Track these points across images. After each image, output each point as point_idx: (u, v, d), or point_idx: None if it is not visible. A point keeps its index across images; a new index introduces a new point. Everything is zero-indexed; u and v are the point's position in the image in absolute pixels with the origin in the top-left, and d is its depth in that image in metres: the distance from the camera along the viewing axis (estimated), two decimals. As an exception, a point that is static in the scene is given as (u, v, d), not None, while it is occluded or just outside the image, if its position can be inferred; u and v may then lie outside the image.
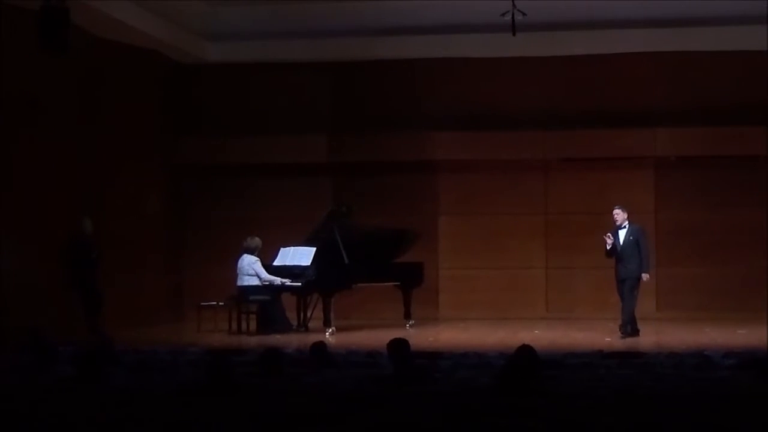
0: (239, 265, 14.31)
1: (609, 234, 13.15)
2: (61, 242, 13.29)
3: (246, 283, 14.21)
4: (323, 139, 17.03)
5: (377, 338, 12.33)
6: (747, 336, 12.85)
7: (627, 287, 13.07)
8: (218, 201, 17.15)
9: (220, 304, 14.68)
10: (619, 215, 13.26)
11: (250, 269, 14.19)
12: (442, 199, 17.09)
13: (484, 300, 16.76)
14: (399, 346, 8.17)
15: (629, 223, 13.24)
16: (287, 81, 17.16)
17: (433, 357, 10.21)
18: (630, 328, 13.03)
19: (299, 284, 14.18)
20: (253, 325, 14.34)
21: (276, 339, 13.25)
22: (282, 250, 14.64)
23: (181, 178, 17.22)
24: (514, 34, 13.26)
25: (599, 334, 13.44)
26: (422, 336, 13.15)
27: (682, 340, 12.57)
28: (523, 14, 13.12)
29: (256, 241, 14.39)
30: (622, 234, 13.17)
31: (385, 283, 14.91)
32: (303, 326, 14.65)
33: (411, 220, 15.87)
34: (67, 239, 13.29)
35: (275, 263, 14.49)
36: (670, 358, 10.16)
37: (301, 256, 14.33)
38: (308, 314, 14.78)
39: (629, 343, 12.37)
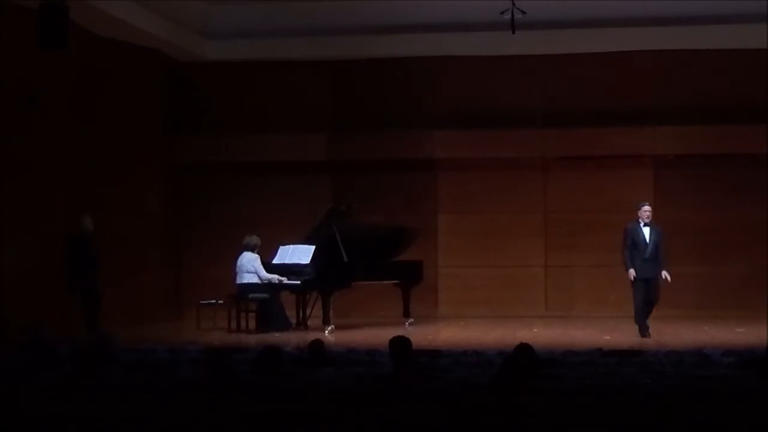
0: (239, 262, 14.31)
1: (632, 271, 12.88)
2: (61, 241, 13.28)
3: (246, 281, 14.21)
4: (323, 138, 17.03)
5: (376, 336, 12.36)
6: (746, 334, 12.87)
7: (656, 286, 12.92)
8: (217, 199, 17.15)
9: (220, 302, 14.69)
10: (650, 213, 13.02)
11: (251, 266, 14.20)
12: (441, 197, 17.10)
13: (483, 298, 16.77)
14: (401, 344, 8.17)
15: (651, 222, 13.05)
16: (287, 79, 17.16)
17: (432, 355, 10.21)
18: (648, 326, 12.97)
19: (298, 282, 14.19)
20: (252, 323, 14.35)
21: (275, 337, 13.27)
22: (281, 248, 14.65)
23: (181, 177, 17.22)
24: (513, 33, 13.26)
25: (598, 332, 13.45)
26: (421, 334, 13.15)
27: (682, 338, 12.59)
28: (523, 12, 13.12)
29: (255, 239, 14.40)
30: (647, 231, 12.96)
31: (385, 282, 14.90)
32: (302, 324, 14.67)
33: (410, 219, 15.86)
34: (67, 238, 13.28)
35: (274, 261, 14.49)
36: (670, 356, 10.17)
37: (300, 254, 14.34)
38: (308, 312, 14.79)
39: (628, 341, 12.36)
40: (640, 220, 13.02)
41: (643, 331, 12.89)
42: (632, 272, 12.86)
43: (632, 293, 13.05)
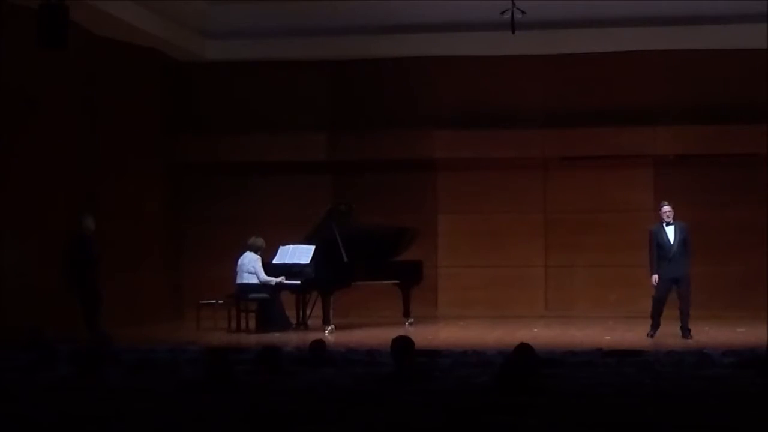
0: (240, 262, 14.31)
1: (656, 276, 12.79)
2: (62, 241, 13.28)
3: (246, 281, 14.22)
4: (322, 138, 17.02)
5: (376, 336, 12.36)
6: (746, 334, 12.86)
7: (685, 287, 12.79)
8: (217, 199, 17.14)
9: (220, 302, 14.69)
10: (671, 212, 12.87)
11: (251, 267, 14.21)
12: (441, 197, 17.09)
13: (483, 298, 16.76)
14: (403, 344, 8.16)
15: (675, 220, 12.92)
16: (286, 79, 17.15)
17: (432, 355, 10.20)
18: (659, 324, 12.85)
19: (298, 282, 14.19)
20: (252, 323, 14.35)
21: (275, 337, 13.27)
22: (281, 248, 14.65)
23: (180, 177, 17.22)
24: (513, 32, 13.25)
25: (598, 332, 13.45)
26: (421, 334, 13.13)
27: (682, 338, 12.59)
28: (523, 12, 13.11)
29: (261, 241, 14.40)
30: (670, 231, 12.81)
31: (385, 282, 14.90)
32: (302, 324, 14.67)
33: (410, 219, 15.85)
34: (68, 238, 13.27)
35: (274, 261, 14.49)
36: (670, 356, 10.16)
37: (300, 254, 14.34)
38: (308, 312, 14.80)
39: (628, 341, 12.35)
40: (663, 221, 12.92)
41: (654, 329, 12.80)
42: (655, 278, 12.79)
43: (654, 289, 12.96)
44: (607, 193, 16.65)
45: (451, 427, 5.84)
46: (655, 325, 12.83)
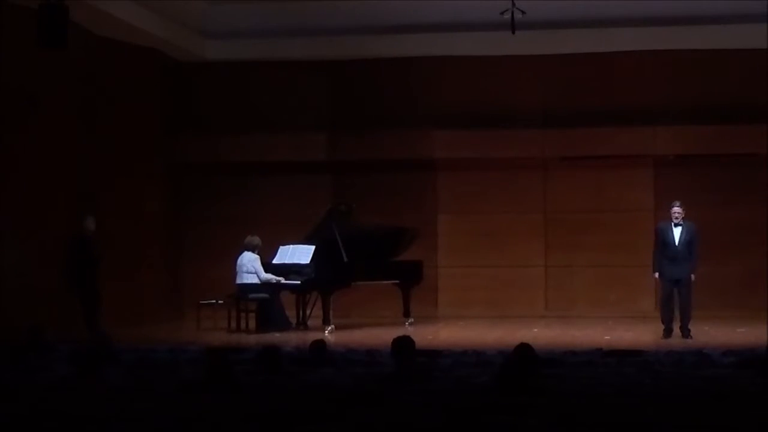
0: (239, 262, 14.32)
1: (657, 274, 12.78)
2: (62, 241, 13.28)
3: (245, 281, 14.22)
4: (322, 138, 17.02)
5: (376, 336, 12.37)
6: (746, 334, 12.86)
7: (685, 288, 12.73)
8: (217, 199, 17.14)
9: (220, 302, 14.69)
10: (681, 213, 12.77)
11: (250, 267, 14.21)
12: (441, 197, 17.09)
13: (483, 298, 16.76)
14: (404, 344, 8.17)
15: (684, 221, 12.85)
16: (286, 79, 17.15)
17: (432, 355, 10.20)
18: (671, 329, 12.77)
19: (298, 282, 14.19)
20: (252, 323, 14.35)
21: (275, 337, 13.27)
22: (281, 248, 14.65)
23: (180, 177, 17.22)
24: (513, 33, 13.26)
25: (598, 332, 13.45)
26: (421, 334, 13.13)
27: (682, 338, 12.59)
28: (523, 12, 13.12)
29: (257, 240, 14.41)
30: (677, 231, 12.75)
31: (385, 282, 14.90)
32: (302, 324, 14.67)
33: (410, 219, 15.86)
34: (69, 238, 13.27)
35: (274, 261, 14.50)
36: (670, 356, 10.16)
37: (300, 254, 14.34)
38: (307, 312, 14.79)
39: (628, 341, 12.35)
40: (672, 221, 12.83)
41: (667, 332, 12.74)
42: (656, 276, 12.79)
43: (659, 290, 12.93)
44: (607, 193, 16.64)
45: (451, 427, 5.84)
46: (668, 330, 12.74)
